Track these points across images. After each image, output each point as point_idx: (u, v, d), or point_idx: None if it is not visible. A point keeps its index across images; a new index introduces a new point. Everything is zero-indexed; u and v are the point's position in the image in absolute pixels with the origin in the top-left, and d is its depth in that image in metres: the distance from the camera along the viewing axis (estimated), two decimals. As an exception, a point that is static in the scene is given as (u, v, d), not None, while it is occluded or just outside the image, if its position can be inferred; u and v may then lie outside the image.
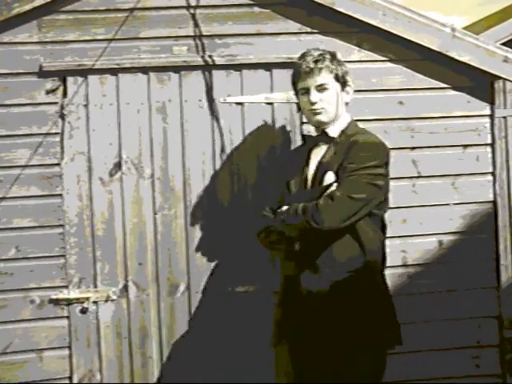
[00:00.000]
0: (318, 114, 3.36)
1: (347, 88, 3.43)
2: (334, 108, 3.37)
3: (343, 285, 3.22)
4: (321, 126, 3.41)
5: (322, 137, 3.41)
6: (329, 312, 3.22)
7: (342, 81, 3.40)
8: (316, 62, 3.35)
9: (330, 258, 3.24)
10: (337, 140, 3.36)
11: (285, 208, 3.33)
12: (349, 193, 3.18)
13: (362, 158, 3.24)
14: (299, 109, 3.90)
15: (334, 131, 3.39)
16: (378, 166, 3.26)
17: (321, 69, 3.34)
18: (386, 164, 3.32)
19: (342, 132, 3.38)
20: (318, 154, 3.41)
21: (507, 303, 4.10)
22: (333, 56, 3.40)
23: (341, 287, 3.22)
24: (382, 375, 3.30)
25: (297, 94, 3.47)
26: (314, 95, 3.35)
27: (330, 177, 3.28)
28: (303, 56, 3.39)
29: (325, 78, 3.35)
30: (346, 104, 3.45)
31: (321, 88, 3.35)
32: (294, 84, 3.46)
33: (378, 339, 3.26)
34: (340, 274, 3.22)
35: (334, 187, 3.23)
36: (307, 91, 3.37)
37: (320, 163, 3.35)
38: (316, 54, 3.37)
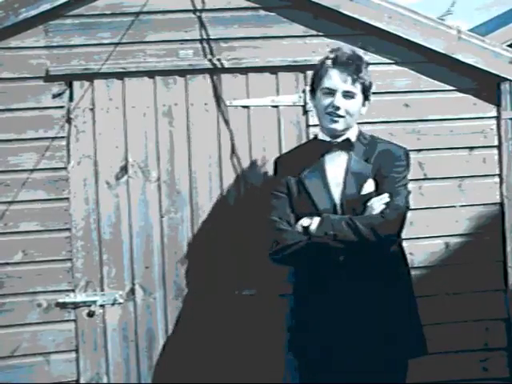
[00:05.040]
0: (336, 121, 3.24)
1: (366, 102, 3.32)
2: (353, 119, 3.28)
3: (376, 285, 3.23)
4: (334, 134, 3.30)
5: (343, 143, 3.29)
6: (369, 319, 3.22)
7: (366, 94, 3.29)
8: (355, 67, 3.20)
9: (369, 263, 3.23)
10: (355, 147, 3.30)
11: (317, 219, 3.21)
12: (406, 203, 3.25)
13: (400, 167, 3.29)
14: (305, 111, 3.92)
15: (352, 138, 3.33)
16: (407, 175, 3.34)
17: (356, 76, 3.20)
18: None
19: (357, 139, 3.33)
20: (337, 160, 3.30)
21: (515, 305, 4.09)
22: (366, 65, 3.29)
23: (374, 288, 3.23)
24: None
25: (314, 89, 3.31)
26: (340, 100, 3.21)
27: (370, 185, 3.23)
28: (342, 56, 3.22)
29: (356, 86, 3.23)
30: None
31: (348, 95, 3.22)
32: (318, 78, 3.28)
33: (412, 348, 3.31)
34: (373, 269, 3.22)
35: (385, 197, 3.21)
36: (332, 93, 3.23)
37: (348, 170, 3.26)
38: (355, 57, 3.23)
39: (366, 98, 3.31)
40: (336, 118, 3.23)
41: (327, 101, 3.24)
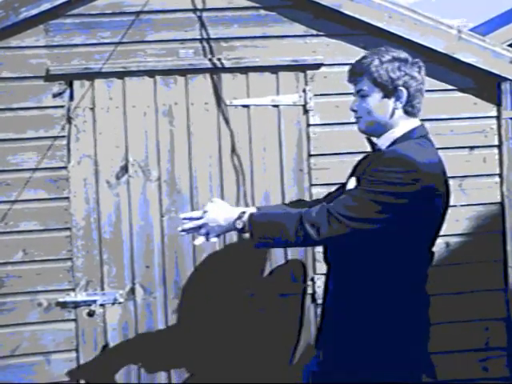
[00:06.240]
0: (358, 122, 3.09)
1: (399, 93, 3.00)
2: (372, 117, 3.04)
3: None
4: (363, 134, 3.13)
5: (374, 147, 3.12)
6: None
7: (390, 87, 3.00)
8: (359, 64, 3.06)
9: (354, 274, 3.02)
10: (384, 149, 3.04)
11: None
12: (343, 205, 2.89)
13: (378, 173, 2.91)
14: (305, 111, 3.93)
15: (382, 142, 3.06)
16: (391, 184, 2.88)
17: (361, 73, 3.04)
18: (409, 184, 2.86)
19: (393, 142, 3.03)
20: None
21: (515, 305, 4.09)
22: (383, 59, 3.02)
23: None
24: None
25: None
26: (355, 103, 3.08)
27: (351, 183, 3.06)
28: (352, 66, 3.11)
29: (364, 83, 3.04)
30: (407, 112, 3.02)
31: (361, 95, 3.05)
32: None
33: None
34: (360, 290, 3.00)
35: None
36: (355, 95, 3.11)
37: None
38: (365, 56, 3.07)
39: (388, 90, 3.02)
40: (357, 120, 3.10)
41: None
